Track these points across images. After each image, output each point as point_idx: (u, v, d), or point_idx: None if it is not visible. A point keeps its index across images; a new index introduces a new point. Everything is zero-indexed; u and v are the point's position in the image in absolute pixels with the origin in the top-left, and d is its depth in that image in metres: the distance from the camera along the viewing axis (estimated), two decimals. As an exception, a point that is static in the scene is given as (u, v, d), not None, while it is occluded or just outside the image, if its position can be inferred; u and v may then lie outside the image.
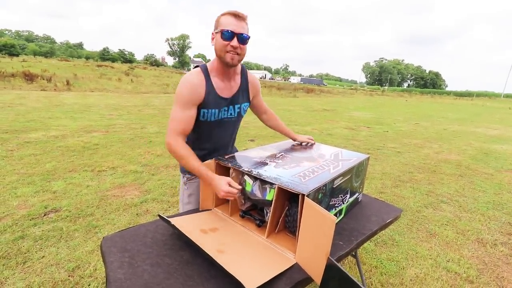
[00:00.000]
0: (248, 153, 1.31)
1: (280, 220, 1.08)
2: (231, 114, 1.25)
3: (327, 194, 1.05)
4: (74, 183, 2.87)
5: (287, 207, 1.07)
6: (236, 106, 1.26)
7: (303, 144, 1.57)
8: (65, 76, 14.86)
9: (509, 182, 3.85)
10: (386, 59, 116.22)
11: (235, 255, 0.94)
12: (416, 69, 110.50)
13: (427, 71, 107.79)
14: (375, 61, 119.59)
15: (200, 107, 1.15)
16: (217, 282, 0.83)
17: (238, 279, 0.77)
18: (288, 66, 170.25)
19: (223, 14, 1.10)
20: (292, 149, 1.44)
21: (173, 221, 1.04)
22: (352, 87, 69.64)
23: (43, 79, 12.97)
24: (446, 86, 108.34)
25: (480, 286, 1.81)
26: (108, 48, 73.51)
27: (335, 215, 1.18)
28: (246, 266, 0.89)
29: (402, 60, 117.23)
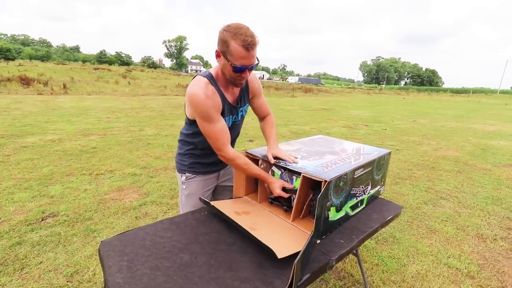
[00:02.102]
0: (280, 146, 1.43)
1: (305, 207, 1.17)
2: (235, 118, 1.27)
3: (348, 183, 1.14)
4: (71, 187, 2.85)
5: (311, 195, 1.17)
6: (239, 110, 1.26)
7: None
8: (62, 80, 14.79)
9: (508, 177, 3.86)
10: (383, 58, 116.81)
11: (266, 232, 1.05)
12: (413, 67, 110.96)
13: (423, 69, 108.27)
14: (372, 59, 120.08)
15: None
16: (218, 284, 0.82)
17: (271, 248, 0.87)
18: (285, 66, 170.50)
19: (233, 38, 0.98)
20: (316, 144, 1.53)
21: (213, 203, 1.19)
22: (349, 86, 69.84)
23: (40, 83, 12.90)
24: (443, 83, 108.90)
25: (481, 281, 1.80)
26: (105, 51, 73.37)
27: (357, 204, 1.27)
28: (276, 240, 1.00)
29: (399, 59, 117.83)
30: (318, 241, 1.06)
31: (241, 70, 1.04)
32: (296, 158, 1.24)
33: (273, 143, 1.32)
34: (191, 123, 1.22)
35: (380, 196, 1.53)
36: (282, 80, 77.55)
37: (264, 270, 0.89)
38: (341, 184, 1.08)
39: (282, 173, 1.22)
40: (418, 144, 5.81)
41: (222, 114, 1.16)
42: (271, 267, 0.90)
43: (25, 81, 12.55)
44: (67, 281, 1.62)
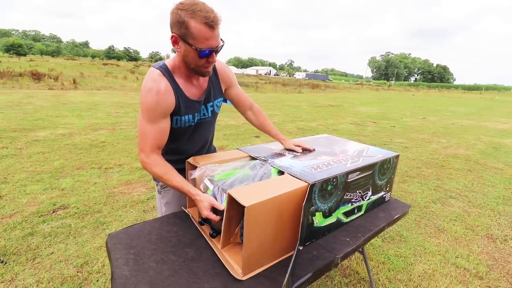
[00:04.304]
0: (270, 145, 1.37)
1: (236, 231, 0.97)
2: (204, 114, 1.12)
3: (339, 187, 1.05)
4: (81, 181, 2.91)
5: (243, 219, 0.93)
6: (209, 105, 1.12)
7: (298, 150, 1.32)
8: (72, 75, 15.03)
9: (520, 177, 3.76)
10: (392, 53, 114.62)
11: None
12: (423, 63, 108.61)
13: (434, 65, 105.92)
14: (381, 55, 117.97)
15: (172, 114, 1.01)
16: (222, 279, 0.83)
17: (232, 272, 0.84)
18: (293, 62, 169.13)
19: (193, 17, 0.84)
20: (318, 144, 1.44)
21: (187, 211, 1.14)
22: (358, 82, 68.91)
23: (50, 78, 13.13)
24: (454, 79, 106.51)
25: (490, 282, 1.77)
26: (113, 47, 74.20)
27: (352, 210, 1.18)
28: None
29: (409, 54, 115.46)
30: (301, 248, 0.98)
31: (208, 54, 0.90)
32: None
33: (283, 135, 1.34)
34: None
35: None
36: (289, 76, 76.95)
37: (268, 266, 0.89)
38: (329, 188, 1.00)
39: (214, 187, 1.00)
40: (428, 142, 5.70)
41: (177, 113, 1.02)
42: (275, 263, 0.91)
43: (36, 76, 12.79)
44: (77, 272, 1.66)
